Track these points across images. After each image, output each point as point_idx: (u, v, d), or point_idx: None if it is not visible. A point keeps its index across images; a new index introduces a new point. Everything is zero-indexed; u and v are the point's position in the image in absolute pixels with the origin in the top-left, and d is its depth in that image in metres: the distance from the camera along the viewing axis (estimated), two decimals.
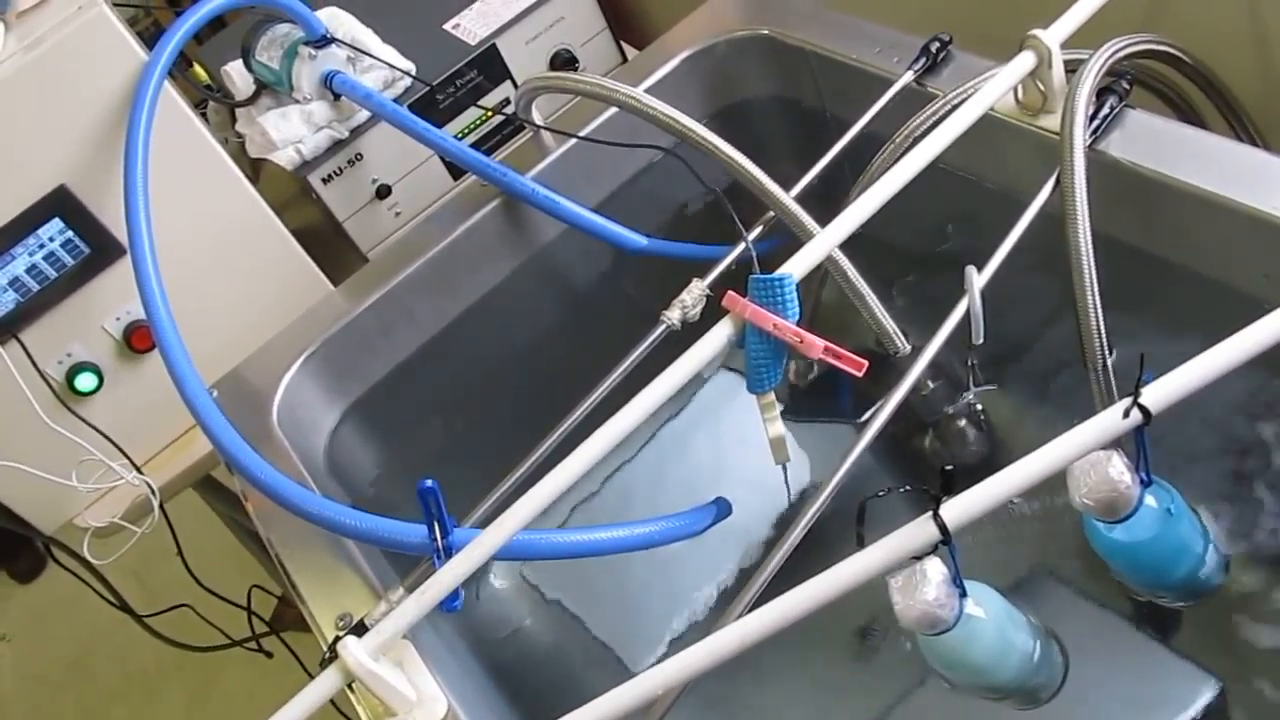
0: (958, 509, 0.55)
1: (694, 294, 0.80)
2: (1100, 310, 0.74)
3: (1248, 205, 0.70)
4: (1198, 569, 0.64)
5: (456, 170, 1.18)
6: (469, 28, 1.16)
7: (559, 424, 0.79)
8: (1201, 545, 0.64)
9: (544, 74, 0.96)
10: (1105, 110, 0.77)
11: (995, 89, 0.78)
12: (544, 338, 1.03)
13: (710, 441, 1.02)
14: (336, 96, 1.07)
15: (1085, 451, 0.56)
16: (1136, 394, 0.56)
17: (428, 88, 1.10)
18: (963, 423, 0.81)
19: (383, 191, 1.13)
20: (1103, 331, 0.74)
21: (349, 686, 0.68)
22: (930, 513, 0.55)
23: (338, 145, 1.10)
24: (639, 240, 0.98)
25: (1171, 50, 0.84)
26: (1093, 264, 0.74)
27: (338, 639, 0.67)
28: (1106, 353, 0.75)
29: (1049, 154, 0.81)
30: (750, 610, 0.59)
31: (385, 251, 1.02)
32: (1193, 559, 0.64)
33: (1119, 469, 0.60)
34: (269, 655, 1.35)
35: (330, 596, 0.77)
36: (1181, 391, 0.56)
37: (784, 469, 0.85)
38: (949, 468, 0.54)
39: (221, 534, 1.57)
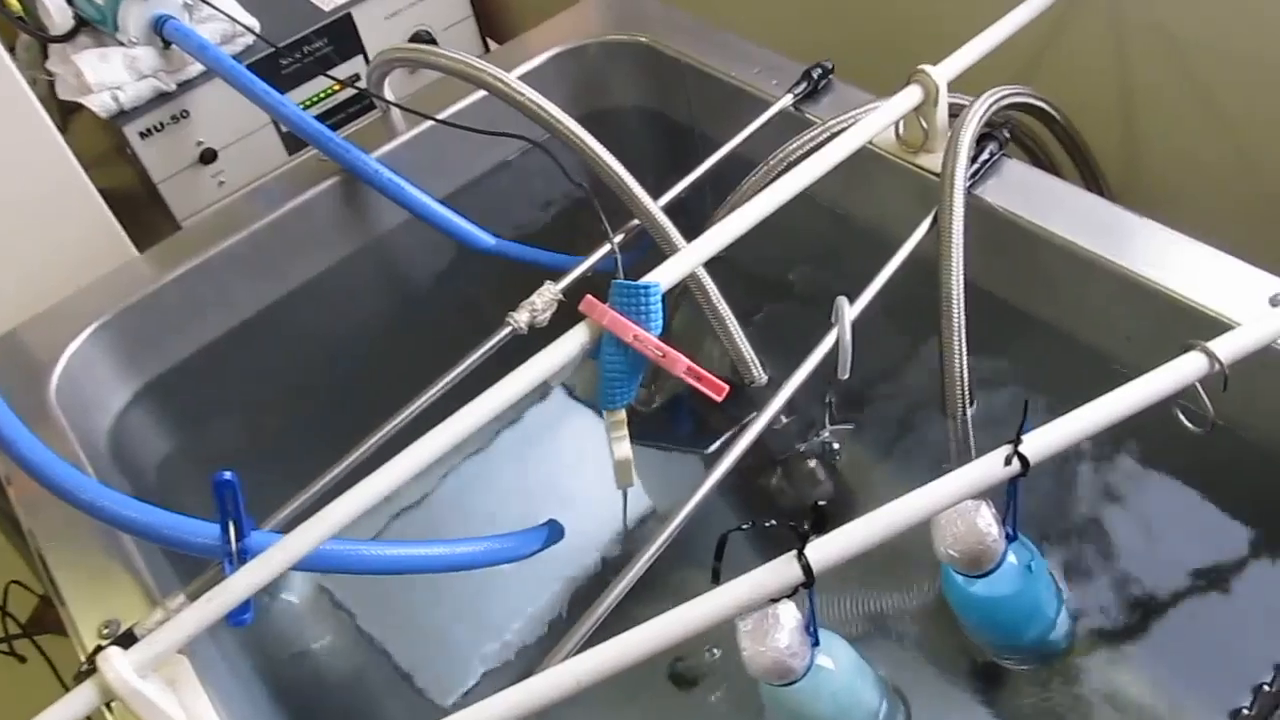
0: (825, 550, 0.51)
1: (545, 297, 0.74)
2: (965, 357, 0.72)
3: (1120, 265, 0.69)
4: (1049, 631, 0.62)
5: (293, 143, 1.08)
6: None
7: (382, 425, 0.71)
8: (1055, 607, 0.62)
9: (406, 45, 0.89)
10: (985, 155, 0.76)
11: (879, 120, 0.75)
12: (374, 333, 0.95)
13: (541, 460, 0.95)
14: (167, 44, 0.96)
15: (962, 497, 0.53)
16: (1017, 442, 0.53)
17: (273, 49, 1.01)
18: (813, 463, 0.77)
19: (207, 156, 1.03)
20: (966, 379, 0.72)
21: (107, 706, 0.58)
22: (795, 551, 0.51)
23: (162, 98, 0.99)
24: (487, 240, 0.92)
25: (1046, 106, 0.84)
26: (963, 309, 0.72)
27: (99, 649, 0.58)
28: (967, 402, 0.73)
29: (923, 194, 0.80)
30: (583, 648, 0.53)
31: (202, 220, 0.92)
32: (1045, 621, 0.61)
33: (987, 520, 0.57)
34: (21, 660, 1.21)
35: (97, 599, 0.67)
36: (1061, 443, 0.54)
37: (624, 495, 0.80)
38: (822, 503, 0.50)
39: None
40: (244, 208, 0.90)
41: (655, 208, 0.77)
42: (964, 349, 0.72)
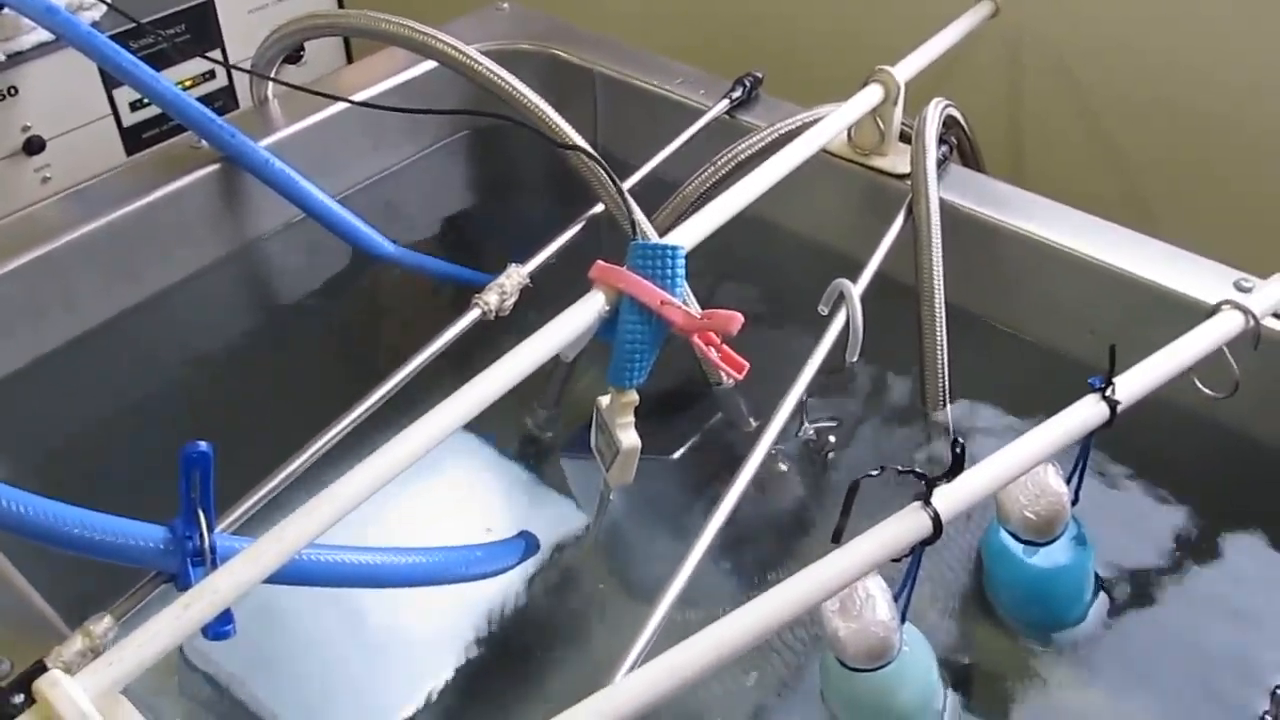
0: (954, 497, 0.46)
1: (513, 280, 0.67)
2: (946, 350, 0.71)
3: (1089, 257, 0.71)
4: (1085, 611, 0.60)
5: (133, 142, 0.94)
6: None
7: (335, 422, 0.60)
8: (1093, 586, 0.60)
9: (324, 11, 0.78)
10: (938, 157, 0.76)
11: (841, 118, 0.74)
12: (251, 345, 0.82)
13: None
14: None
15: (1065, 443, 0.50)
16: (1109, 385, 0.51)
17: (133, 24, 0.87)
18: (785, 466, 0.73)
19: (34, 145, 0.87)
20: (947, 373, 0.71)
21: None
22: (920, 502, 0.46)
23: None
24: (386, 246, 0.83)
25: (960, 119, 0.86)
26: (943, 300, 0.71)
27: (29, 674, 0.44)
28: (948, 397, 0.71)
29: (876, 196, 0.79)
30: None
31: (46, 207, 0.78)
32: (1084, 600, 0.59)
33: (1058, 480, 0.55)
34: None
35: None
36: (1148, 388, 0.52)
37: (602, 499, 0.72)
38: (961, 441, 0.45)
39: None
40: (95, 195, 0.76)
41: (623, 191, 0.71)
42: (945, 340, 0.71)
